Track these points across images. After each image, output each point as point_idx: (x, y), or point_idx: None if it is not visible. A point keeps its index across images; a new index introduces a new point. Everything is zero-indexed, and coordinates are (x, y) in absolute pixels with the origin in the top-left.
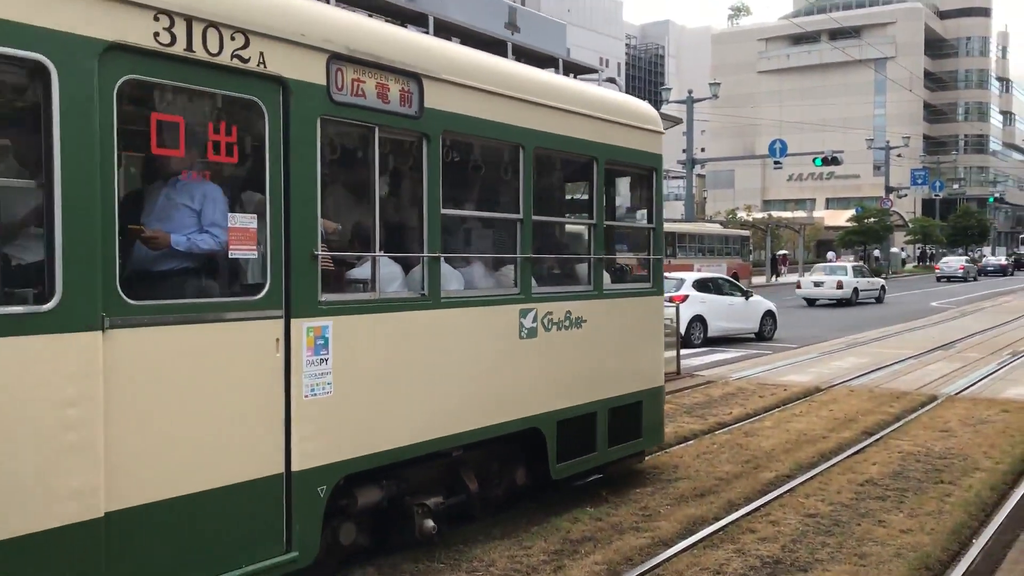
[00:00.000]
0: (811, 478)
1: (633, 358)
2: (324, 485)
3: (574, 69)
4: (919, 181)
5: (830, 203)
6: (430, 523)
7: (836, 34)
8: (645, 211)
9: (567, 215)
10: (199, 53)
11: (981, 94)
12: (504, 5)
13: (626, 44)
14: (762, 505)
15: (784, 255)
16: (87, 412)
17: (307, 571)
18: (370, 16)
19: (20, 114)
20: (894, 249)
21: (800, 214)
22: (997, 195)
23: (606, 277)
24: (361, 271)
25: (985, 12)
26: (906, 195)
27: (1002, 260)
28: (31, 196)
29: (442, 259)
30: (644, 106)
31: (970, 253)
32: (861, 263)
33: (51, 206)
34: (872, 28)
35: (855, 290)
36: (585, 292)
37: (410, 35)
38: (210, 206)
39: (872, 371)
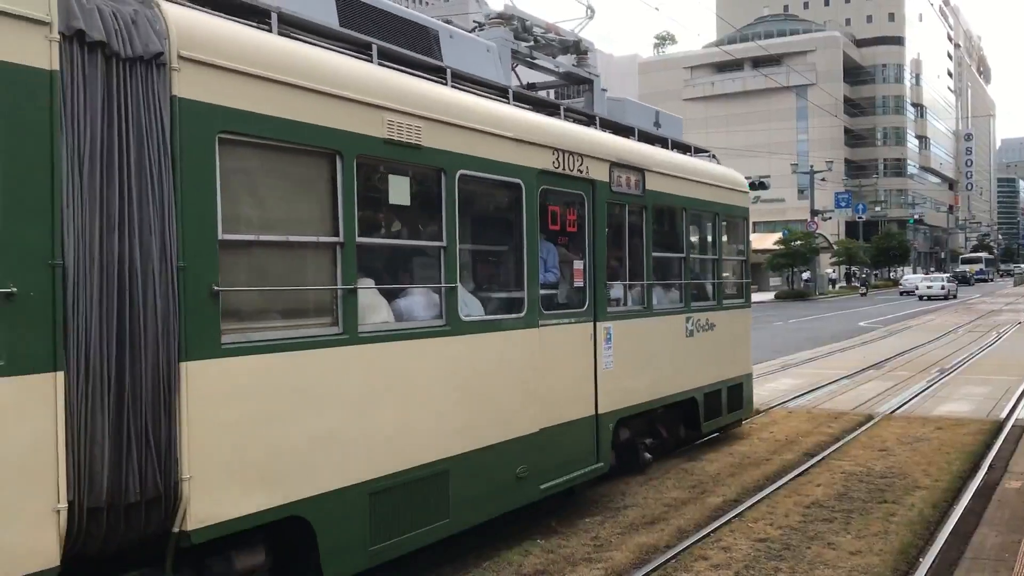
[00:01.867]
0: (758, 502)
1: (736, 351)
2: (612, 424)
3: (681, 146)
4: (843, 204)
5: (757, 227)
6: (648, 456)
7: (759, 62)
8: (739, 247)
9: (697, 252)
10: (567, 170)
11: (898, 120)
12: (652, 111)
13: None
14: (712, 531)
15: None
16: (531, 360)
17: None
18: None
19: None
20: (825, 271)
21: None
22: (916, 216)
23: (710, 293)
24: (616, 292)
25: (899, 40)
26: (830, 218)
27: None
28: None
29: (655, 283)
30: (737, 175)
31: (892, 274)
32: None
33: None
34: (793, 56)
35: (948, 291)
36: (712, 305)
37: (640, 146)
38: (551, 257)
39: (808, 392)
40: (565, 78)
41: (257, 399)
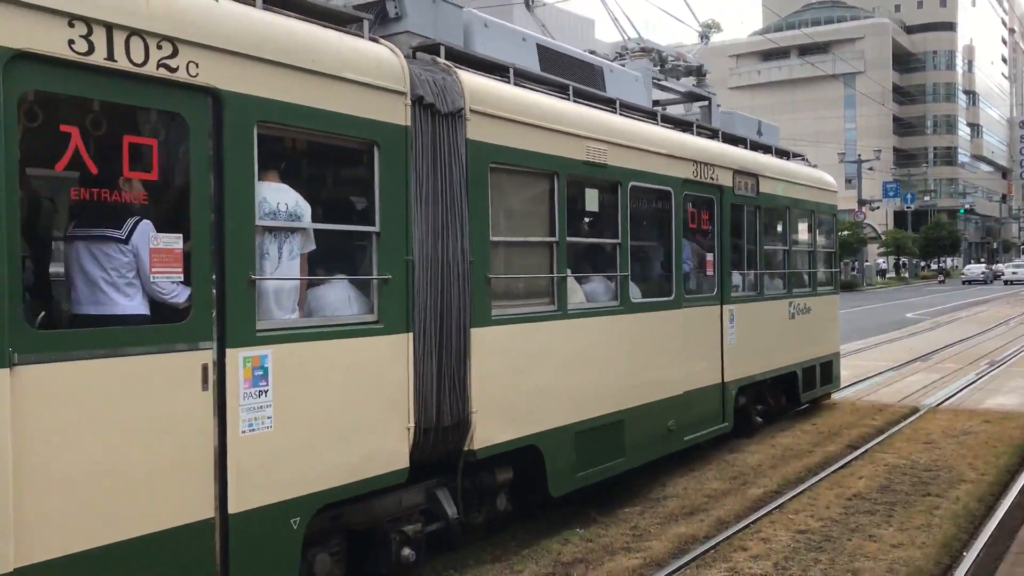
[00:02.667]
0: (799, 493)
1: (827, 332)
2: (734, 391)
3: (780, 152)
4: (891, 193)
5: None
6: (759, 419)
7: (805, 50)
8: (829, 240)
9: (797, 245)
10: (702, 179)
11: (949, 107)
12: (755, 121)
13: None
14: (752, 522)
15: None
16: (678, 334)
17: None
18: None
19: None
20: (873, 261)
21: None
22: (967, 206)
23: (807, 281)
24: (736, 280)
25: (951, 27)
26: (878, 207)
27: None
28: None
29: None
30: (827, 176)
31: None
32: None
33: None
34: (841, 43)
35: None
36: (809, 292)
37: (755, 155)
38: (686, 250)
39: (853, 383)
40: (687, 96)
41: (509, 357)
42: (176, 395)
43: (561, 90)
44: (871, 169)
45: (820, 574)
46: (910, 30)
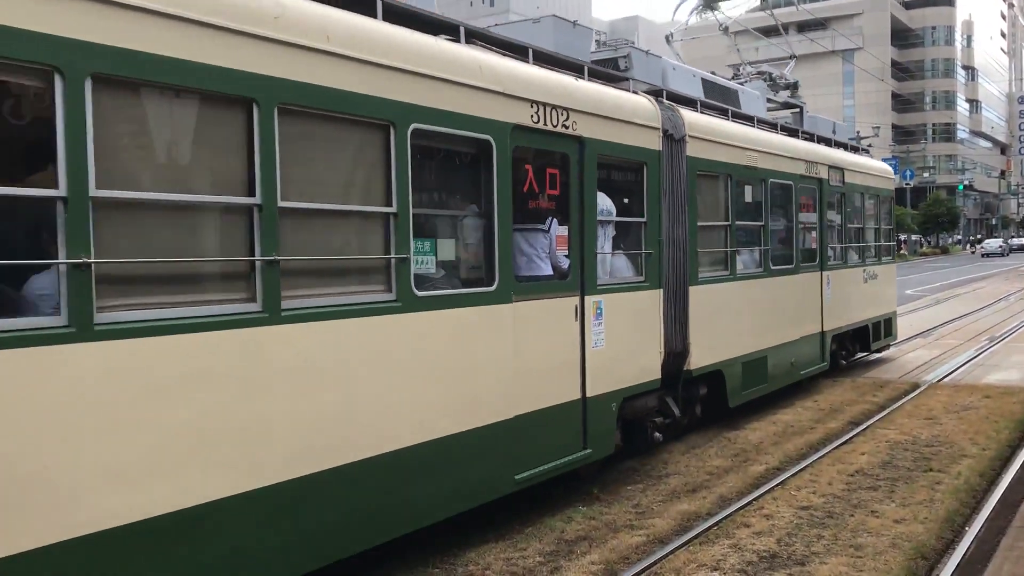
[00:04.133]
0: (801, 470)
1: (888, 295)
2: (831, 337)
3: (848, 147)
4: None
5: None
6: (843, 362)
7: (804, 26)
8: (888, 218)
9: (868, 223)
10: (809, 173)
11: (948, 83)
12: (830, 122)
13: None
14: (755, 499)
15: None
16: (794, 294)
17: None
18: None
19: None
20: None
21: None
22: (966, 182)
23: (874, 252)
24: (828, 252)
25: (949, 1)
26: None
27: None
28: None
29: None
30: (886, 165)
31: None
32: None
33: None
34: (839, 20)
35: None
36: (875, 261)
37: (841, 153)
38: (804, 232)
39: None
40: (785, 106)
41: (706, 307)
42: (565, 322)
43: (722, 112)
44: (870, 146)
45: (823, 550)
46: (908, 5)
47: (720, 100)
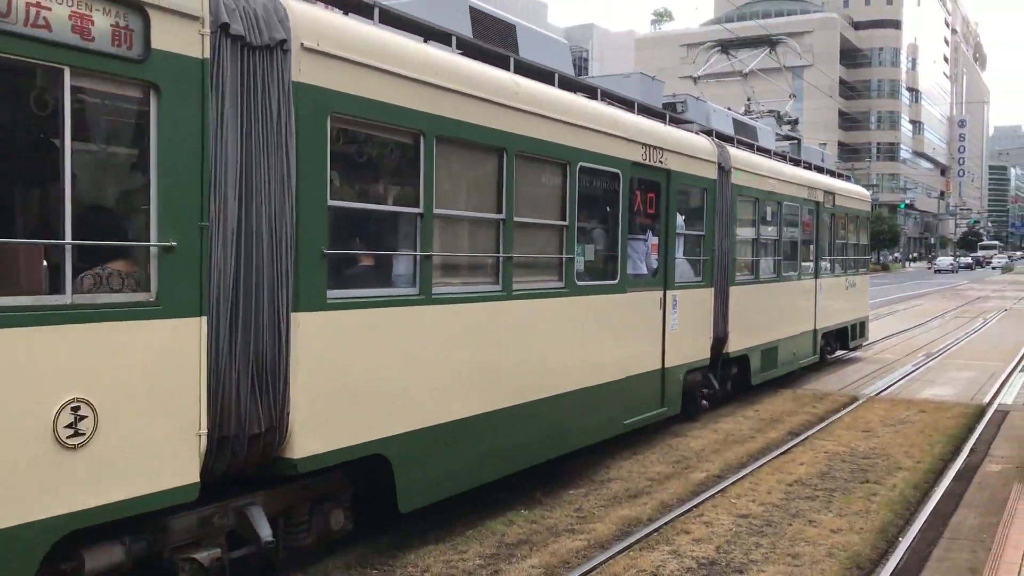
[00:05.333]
0: (741, 478)
1: (862, 302)
2: (821, 335)
3: (834, 173)
4: None
5: None
6: (829, 356)
7: (756, 42)
8: (864, 235)
9: (849, 239)
10: (813, 198)
11: (893, 103)
12: (819, 151)
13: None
14: (695, 506)
15: None
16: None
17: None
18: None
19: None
20: None
21: None
22: (907, 201)
23: (853, 265)
24: (823, 264)
25: (896, 24)
26: None
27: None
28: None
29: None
30: (863, 189)
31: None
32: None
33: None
34: (790, 36)
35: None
36: (854, 272)
37: (832, 179)
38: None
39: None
40: (785, 138)
41: (739, 303)
42: (654, 310)
43: (749, 147)
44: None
45: (761, 558)
46: (857, 26)
47: (745, 135)
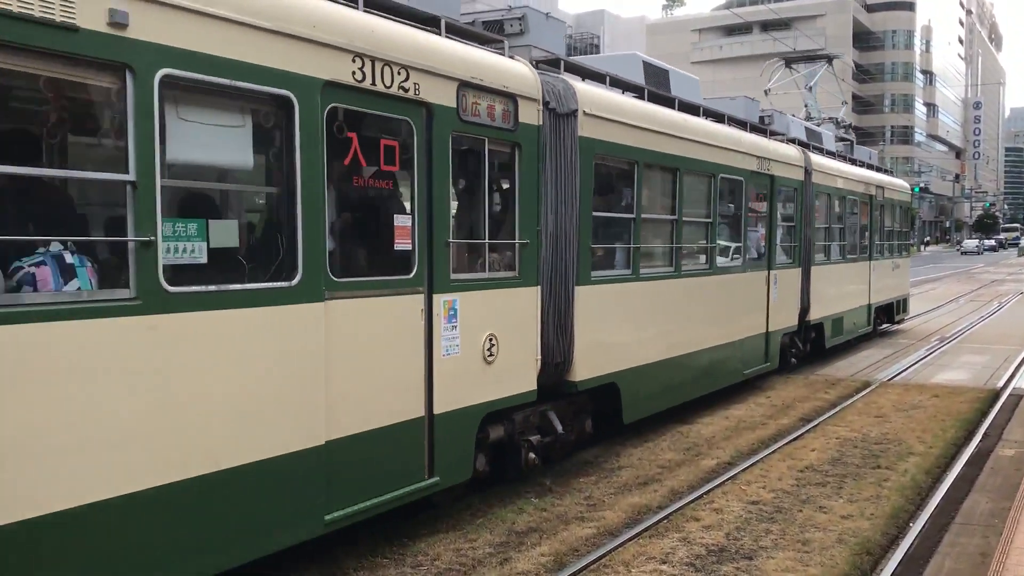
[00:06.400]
0: (752, 465)
1: (905, 280)
2: (874, 309)
3: (884, 170)
4: None
5: None
6: (880, 328)
7: (768, 26)
8: (906, 221)
9: (895, 225)
10: (870, 192)
11: (906, 86)
12: (867, 151)
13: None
14: (705, 493)
15: None
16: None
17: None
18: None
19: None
20: None
21: None
22: (922, 185)
23: (897, 248)
24: (877, 247)
25: (910, 6)
26: None
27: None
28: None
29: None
30: (904, 182)
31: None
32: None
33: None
34: (802, 20)
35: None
36: (898, 255)
37: (882, 175)
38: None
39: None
40: (840, 139)
41: (818, 281)
42: (762, 285)
43: (819, 151)
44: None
45: (771, 544)
46: (870, 8)
47: (815, 141)
